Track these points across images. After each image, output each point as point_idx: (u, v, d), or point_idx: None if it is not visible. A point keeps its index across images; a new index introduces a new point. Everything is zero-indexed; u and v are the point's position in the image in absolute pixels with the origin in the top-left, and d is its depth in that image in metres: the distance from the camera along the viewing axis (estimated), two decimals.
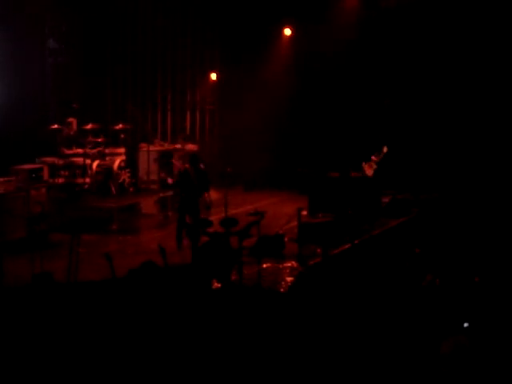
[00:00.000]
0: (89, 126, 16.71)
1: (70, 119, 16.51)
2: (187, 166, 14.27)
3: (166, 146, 18.82)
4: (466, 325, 8.58)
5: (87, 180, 16.30)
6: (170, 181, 16.94)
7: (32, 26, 17.31)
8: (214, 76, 20.98)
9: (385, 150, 16.32)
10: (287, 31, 20.68)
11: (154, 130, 20.23)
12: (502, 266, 11.12)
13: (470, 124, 18.56)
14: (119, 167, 17.01)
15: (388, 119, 19.01)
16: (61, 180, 16.13)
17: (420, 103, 19.23)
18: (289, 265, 12.83)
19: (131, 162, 17.91)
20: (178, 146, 18.78)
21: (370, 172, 16.30)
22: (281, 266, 12.74)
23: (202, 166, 14.44)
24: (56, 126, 16.26)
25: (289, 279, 12.02)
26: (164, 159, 18.08)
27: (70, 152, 16.50)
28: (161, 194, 16.93)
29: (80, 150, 16.64)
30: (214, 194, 17.97)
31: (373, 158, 16.35)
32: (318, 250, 13.19)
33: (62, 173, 16.25)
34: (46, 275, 10.76)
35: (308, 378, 7.96)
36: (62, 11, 17.82)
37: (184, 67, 21.04)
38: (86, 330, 8.96)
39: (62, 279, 10.71)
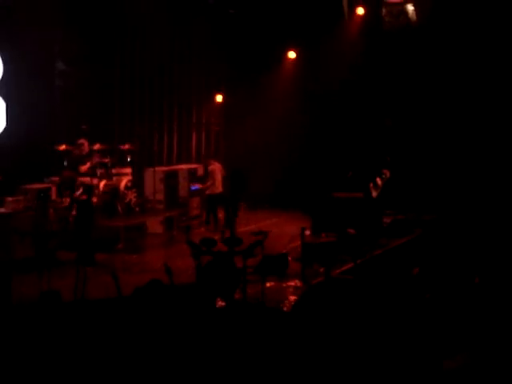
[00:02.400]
0: (96, 146, 16.91)
1: (82, 140, 16.67)
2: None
3: None
4: None
5: (94, 199, 16.44)
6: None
7: (41, 48, 17.51)
8: (219, 98, 21.21)
9: (388, 174, 16.51)
10: (291, 54, 20.96)
11: (161, 151, 20.39)
12: (505, 287, 11.19)
13: (471, 143, 18.71)
14: (126, 187, 17.18)
15: (389, 139, 19.18)
16: (68, 199, 16.27)
17: (421, 122, 19.40)
18: (292, 284, 12.96)
19: (138, 182, 18.09)
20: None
21: (374, 194, 16.47)
22: (284, 285, 12.86)
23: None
24: (64, 146, 16.41)
25: (292, 298, 12.12)
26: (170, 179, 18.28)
27: (85, 170, 16.59)
28: (166, 214, 17.08)
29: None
30: (218, 214, 18.17)
31: (378, 180, 16.50)
32: (321, 270, 13.34)
33: (70, 192, 16.38)
34: (54, 293, 10.82)
35: None
36: (71, 33, 18.04)
37: (190, 89, 21.25)
38: (93, 348, 9.04)
39: (69, 297, 10.82)
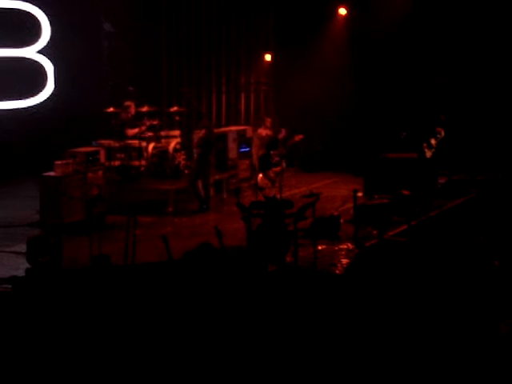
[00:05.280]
0: (144, 109, 16.85)
1: (128, 103, 16.60)
2: None
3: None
4: None
5: (143, 162, 16.44)
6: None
7: (88, 10, 17.52)
8: (268, 57, 20.98)
9: (442, 133, 16.22)
10: (342, 11, 20.60)
11: (209, 113, 20.25)
12: None
13: None
14: (174, 149, 17.13)
15: (444, 98, 18.78)
16: (117, 162, 16.27)
17: (477, 81, 18.95)
18: (344, 247, 12.80)
19: (187, 144, 18.02)
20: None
21: (428, 154, 16.22)
22: (336, 248, 12.71)
23: None
24: (112, 109, 16.37)
25: (344, 261, 12.01)
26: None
27: (132, 134, 16.53)
28: (216, 176, 16.99)
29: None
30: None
31: (432, 140, 16.24)
32: (374, 232, 13.18)
33: (118, 155, 16.37)
34: (104, 257, 10.94)
35: (364, 358, 7.96)
36: None
37: (238, 49, 21.04)
38: (144, 311, 9.08)
39: (120, 261, 10.87)
